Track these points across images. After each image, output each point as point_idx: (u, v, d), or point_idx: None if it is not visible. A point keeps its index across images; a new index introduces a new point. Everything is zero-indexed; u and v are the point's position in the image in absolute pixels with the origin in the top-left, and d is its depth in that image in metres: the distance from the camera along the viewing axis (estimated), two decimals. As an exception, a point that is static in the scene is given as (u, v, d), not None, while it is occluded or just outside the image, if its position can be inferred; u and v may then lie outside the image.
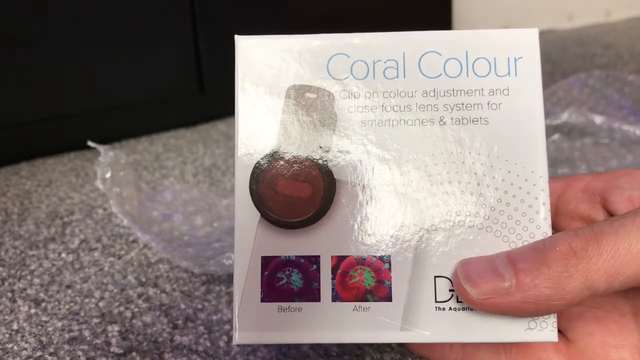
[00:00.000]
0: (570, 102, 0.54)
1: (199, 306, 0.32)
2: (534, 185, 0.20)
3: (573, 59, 0.82)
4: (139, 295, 0.33)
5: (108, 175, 0.38)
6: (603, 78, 0.56)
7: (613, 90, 0.55)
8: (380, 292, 0.20)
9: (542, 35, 1.01)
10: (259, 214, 0.20)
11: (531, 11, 1.04)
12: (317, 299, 0.20)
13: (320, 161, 0.21)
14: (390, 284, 0.20)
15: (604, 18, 1.10)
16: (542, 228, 0.20)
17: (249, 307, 0.20)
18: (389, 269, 0.20)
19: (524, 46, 0.21)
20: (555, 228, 0.22)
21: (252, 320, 0.20)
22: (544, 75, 0.72)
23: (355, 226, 0.20)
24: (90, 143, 0.39)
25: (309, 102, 0.21)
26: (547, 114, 0.49)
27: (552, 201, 0.23)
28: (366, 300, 0.20)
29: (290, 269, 0.20)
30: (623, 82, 0.56)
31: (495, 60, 0.21)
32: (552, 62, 0.79)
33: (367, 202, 0.20)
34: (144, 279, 0.35)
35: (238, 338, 0.20)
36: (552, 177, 0.23)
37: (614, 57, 0.81)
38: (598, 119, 0.49)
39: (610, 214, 0.22)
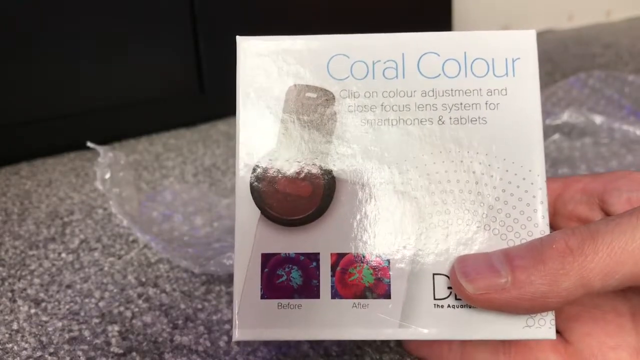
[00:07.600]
0: (570, 102, 0.54)
1: (199, 306, 0.32)
2: (532, 183, 0.20)
3: (573, 59, 0.82)
4: (139, 295, 0.33)
5: (107, 175, 0.38)
6: (603, 78, 0.56)
7: (613, 90, 0.55)
8: (379, 289, 0.20)
9: (542, 35, 1.01)
10: (259, 211, 0.21)
11: (531, 11, 1.04)
12: (316, 296, 0.20)
13: (320, 160, 0.21)
14: (389, 281, 0.20)
15: (604, 18, 1.10)
16: (539, 226, 0.20)
17: (248, 303, 0.20)
18: (388, 266, 0.20)
19: (521, 47, 0.21)
20: (553, 228, 0.22)
21: (251, 317, 0.20)
22: (544, 75, 0.72)
23: (355, 224, 0.20)
24: (89, 144, 0.39)
25: (309, 101, 0.21)
26: (547, 114, 0.49)
27: (550, 201, 0.23)
28: (365, 297, 0.20)
29: (290, 266, 0.20)
30: (623, 82, 0.56)
31: (493, 61, 0.21)
32: (552, 62, 0.80)
33: (367, 201, 0.20)
34: (144, 279, 0.35)
35: (238, 334, 0.20)
36: (551, 178, 0.23)
37: (614, 57, 0.81)
38: (598, 119, 0.49)
39: (608, 215, 0.22)
